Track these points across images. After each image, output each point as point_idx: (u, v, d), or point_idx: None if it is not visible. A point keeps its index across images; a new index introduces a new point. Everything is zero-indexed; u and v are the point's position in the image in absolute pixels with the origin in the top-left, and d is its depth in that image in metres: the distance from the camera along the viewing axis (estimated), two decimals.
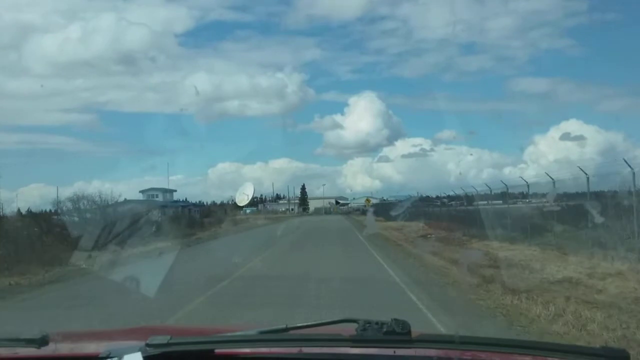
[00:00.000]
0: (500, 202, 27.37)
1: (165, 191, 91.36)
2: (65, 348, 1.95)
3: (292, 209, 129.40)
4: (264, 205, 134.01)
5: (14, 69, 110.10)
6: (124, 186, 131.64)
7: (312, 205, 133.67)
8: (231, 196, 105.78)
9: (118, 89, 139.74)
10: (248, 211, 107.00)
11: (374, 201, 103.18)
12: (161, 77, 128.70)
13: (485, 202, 28.14)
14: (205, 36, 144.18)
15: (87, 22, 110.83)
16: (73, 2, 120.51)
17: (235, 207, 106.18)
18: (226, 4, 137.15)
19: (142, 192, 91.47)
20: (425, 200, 54.10)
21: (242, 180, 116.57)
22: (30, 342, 1.77)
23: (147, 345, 1.66)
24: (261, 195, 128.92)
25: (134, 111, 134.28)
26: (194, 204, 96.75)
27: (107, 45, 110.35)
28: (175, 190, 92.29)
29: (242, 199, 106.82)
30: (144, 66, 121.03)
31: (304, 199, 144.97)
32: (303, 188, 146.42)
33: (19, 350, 1.83)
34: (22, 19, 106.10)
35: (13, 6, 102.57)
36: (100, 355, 1.64)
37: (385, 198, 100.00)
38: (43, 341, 1.77)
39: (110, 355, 1.60)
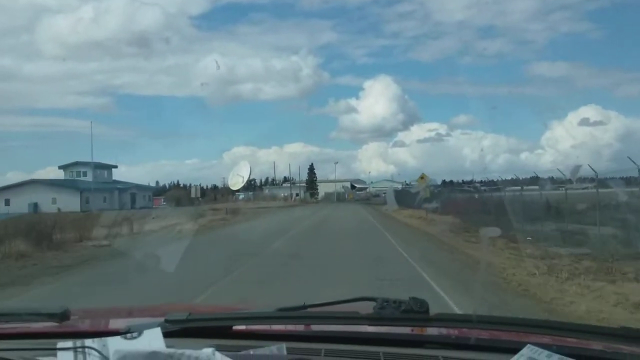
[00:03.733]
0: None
1: (98, 167, 60.71)
2: (85, 323, 2.01)
3: (297, 195, 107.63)
4: (262, 189, 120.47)
5: (30, 51, 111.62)
6: (140, 169, 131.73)
7: (323, 189, 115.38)
8: (224, 178, 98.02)
9: (133, 71, 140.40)
10: (241, 197, 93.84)
11: (394, 186, 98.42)
12: (176, 60, 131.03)
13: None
14: (220, 19, 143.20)
15: (102, 3, 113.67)
16: None
17: (229, 191, 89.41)
18: None
19: (62, 167, 61.47)
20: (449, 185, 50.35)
21: (257, 163, 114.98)
22: (51, 316, 1.77)
23: (166, 321, 1.68)
24: (269, 177, 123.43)
25: (149, 94, 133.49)
26: (145, 187, 66.40)
27: (122, 27, 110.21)
28: (115, 167, 61.79)
29: (236, 182, 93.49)
30: (159, 49, 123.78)
31: (312, 182, 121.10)
32: (311, 169, 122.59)
33: (39, 325, 1.83)
34: (37, 1, 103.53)
35: None
36: (119, 331, 1.61)
37: (407, 182, 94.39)
38: (64, 316, 1.77)
39: (130, 331, 1.57)
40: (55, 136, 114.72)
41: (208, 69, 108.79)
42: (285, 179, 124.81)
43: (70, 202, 54.62)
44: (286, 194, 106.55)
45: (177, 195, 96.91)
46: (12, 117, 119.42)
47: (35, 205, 55.35)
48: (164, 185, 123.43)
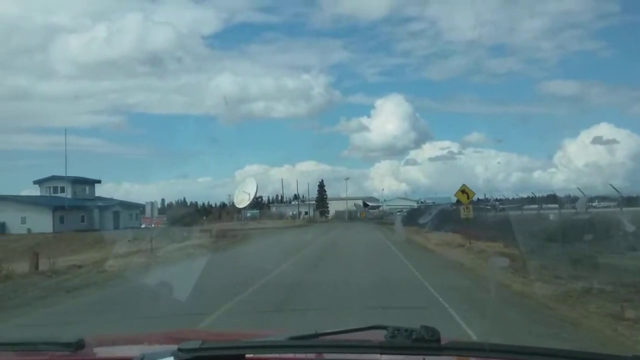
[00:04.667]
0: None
1: (78, 182, 53.81)
2: (100, 352, 2.01)
3: (306, 213, 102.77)
4: (269, 207, 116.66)
5: (44, 71, 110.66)
6: (153, 188, 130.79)
7: (334, 208, 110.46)
8: (229, 195, 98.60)
9: (146, 90, 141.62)
10: (248, 214, 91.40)
11: (408, 204, 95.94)
12: (188, 79, 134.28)
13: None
14: (232, 38, 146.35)
15: (115, 23, 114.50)
16: (102, 3, 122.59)
17: (234, 209, 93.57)
18: (254, 5, 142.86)
19: (38, 182, 54.69)
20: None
21: (269, 182, 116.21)
22: (66, 346, 1.79)
23: (179, 349, 1.67)
24: (279, 195, 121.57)
25: (162, 113, 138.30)
26: (132, 204, 59.22)
27: (135, 47, 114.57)
28: (99, 182, 54.68)
29: (242, 199, 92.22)
30: (171, 68, 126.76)
31: (322, 200, 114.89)
32: (321, 185, 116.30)
33: (55, 354, 1.84)
34: (52, 20, 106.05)
35: (43, 8, 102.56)
36: (133, 359, 1.64)
37: (422, 200, 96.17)
38: (79, 345, 1.80)
39: (143, 359, 1.59)
40: (69, 155, 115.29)
41: (220, 89, 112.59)
42: (296, 197, 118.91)
43: (42, 222, 47.81)
44: (295, 213, 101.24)
45: (176, 214, 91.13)
46: (28, 136, 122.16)
47: (3, 225, 48.56)
48: (170, 204, 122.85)
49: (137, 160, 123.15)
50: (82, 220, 52.70)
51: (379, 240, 28.36)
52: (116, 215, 55.25)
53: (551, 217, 20.87)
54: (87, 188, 56.85)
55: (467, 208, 20.75)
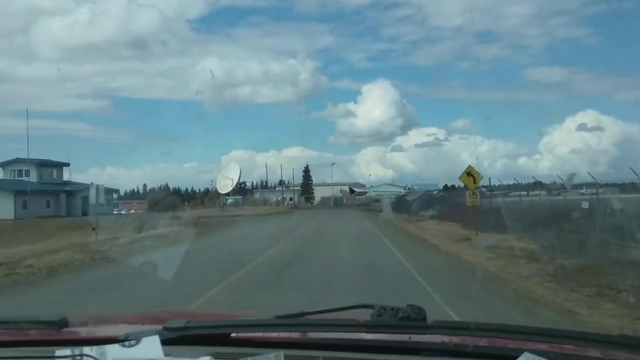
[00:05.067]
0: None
1: (44, 165, 50.10)
2: (83, 331, 1.96)
3: (291, 199, 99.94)
4: (253, 193, 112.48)
5: (26, 54, 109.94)
6: (138, 173, 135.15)
7: (319, 193, 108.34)
8: (211, 181, 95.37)
9: (130, 74, 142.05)
10: (230, 201, 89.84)
11: (395, 190, 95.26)
12: (174, 63, 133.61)
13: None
14: (218, 22, 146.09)
15: (98, 5, 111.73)
16: None
17: (217, 194, 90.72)
18: None
19: (1, 165, 50.97)
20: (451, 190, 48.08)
21: (255, 168, 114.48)
22: (49, 324, 1.76)
23: (165, 328, 1.66)
24: (264, 181, 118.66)
25: (147, 97, 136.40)
26: (105, 189, 55.09)
27: (120, 30, 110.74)
28: (67, 164, 50.92)
29: (225, 185, 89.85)
30: (156, 52, 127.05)
31: (307, 186, 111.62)
32: (306, 171, 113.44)
33: (38, 332, 1.81)
34: (35, 2, 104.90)
35: None
36: (118, 339, 1.59)
37: (410, 187, 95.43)
38: (62, 323, 1.76)
39: (128, 339, 1.56)
40: (53, 139, 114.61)
41: (205, 73, 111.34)
42: (282, 182, 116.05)
43: (2, 208, 44.14)
44: (279, 198, 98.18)
45: (156, 199, 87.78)
46: (10, 120, 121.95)
47: None
48: (152, 189, 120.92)
49: (121, 145, 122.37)
50: (48, 206, 49.08)
51: (369, 232, 24.43)
52: (85, 200, 51.54)
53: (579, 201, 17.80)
54: (54, 171, 53.02)
55: (473, 194, 17.64)
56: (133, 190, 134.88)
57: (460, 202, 36.19)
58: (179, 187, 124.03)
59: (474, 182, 17.60)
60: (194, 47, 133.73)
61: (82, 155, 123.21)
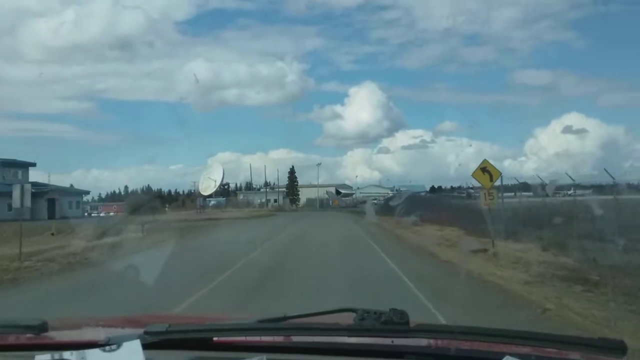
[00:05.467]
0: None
1: (6, 165, 46.74)
2: (63, 335, 1.91)
3: (275, 201, 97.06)
4: (236, 194, 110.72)
5: (11, 55, 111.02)
6: (123, 174, 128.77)
7: (305, 195, 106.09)
8: (194, 182, 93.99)
9: (117, 76, 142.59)
10: (212, 202, 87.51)
11: (381, 192, 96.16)
12: (160, 65, 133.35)
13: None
14: (206, 24, 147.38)
15: (84, 7, 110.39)
16: None
17: (199, 196, 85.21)
18: None
19: None
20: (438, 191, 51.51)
21: (241, 170, 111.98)
22: (28, 328, 1.73)
23: (146, 332, 1.64)
24: (250, 183, 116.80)
25: (133, 99, 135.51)
26: (74, 191, 52.04)
27: (106, 32, 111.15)
28: (33, 164, 47.33)
29: (208, 186, 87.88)
30: (143, 54, 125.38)
31: (293, 187, 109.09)
32: (292, 172, 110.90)
33: (17, 337, 1.79)
34: (20, 3, 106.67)
35: None
36: (98, 343, 1.57)
37: (397, 188, 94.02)
38: (42, 328, 1.72)
39: (109, 343, 1.53)
40: (38, 141, 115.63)
41: (192, 75, 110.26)
42: (266, 184, 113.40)
43: None
44: (263, 200, 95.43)
45: (135, 202, 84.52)
46: None
47: None
48: (133, 191, 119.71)
49: (107, 147, 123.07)
50: (10, 209, 45.29)
51: (360, 241, 20.79)
52: (51, 202, 47.89)
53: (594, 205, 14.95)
54: (19, 172, 49.27)
55: (489, 194, 14.43)
56: (114, 192, 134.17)
57: (457, 204, 33.55)
58: (161, 189, 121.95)
59: (491, 179, 14.44)
60: (181, 49, 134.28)
61: (67, 157, 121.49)
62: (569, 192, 24.44)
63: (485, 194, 14.38)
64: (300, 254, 16.03)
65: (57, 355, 1.41)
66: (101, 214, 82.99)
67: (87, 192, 65.32)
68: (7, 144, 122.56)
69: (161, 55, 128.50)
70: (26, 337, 1.74)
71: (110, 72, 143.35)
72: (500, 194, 15.52)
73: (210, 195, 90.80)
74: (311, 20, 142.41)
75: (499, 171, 14.60)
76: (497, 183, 14.80)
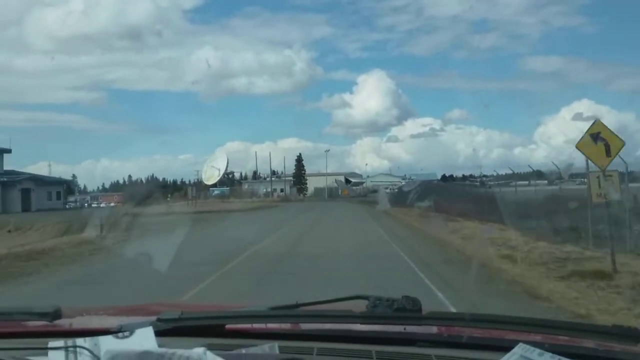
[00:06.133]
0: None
1: None
2: (77, 322, 1.93)
3: (282, 190, 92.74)
4: (241, 184, 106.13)
5: (22, 45, 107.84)
6: (133, 164, 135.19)
7: (313, 184, 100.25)
8: (197, 171, 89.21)
9: (126, 66, 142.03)
10: (215, 192, 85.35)
11: (392, 180, 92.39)
12: (169, 54, 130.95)
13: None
14: (213, 12, 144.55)
15: None
16: None
17: (203, 186, 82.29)
18: None
19: None
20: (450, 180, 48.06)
21: (250, 159, 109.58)
22: (42, 315, 1.73)
23: (159, 319, 1.66)
24: (257, 172, 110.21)
25: (142, 88, 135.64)
26: (52, 180, 46.61)
27: (115, 21, 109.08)
28: (8, 151, 42.17)
29: (211, 176, 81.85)
30: (152, 43, 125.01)
31: (300, 176, 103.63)
32: (299, 160, 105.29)
33: (31, 324, 1.79)
34: None
35: None
36: (111, 330, 1.58)
37: (408, 176, 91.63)
38: (55, 315, 1.72)
39: (122, 330, 1.55)
40: (48, 131, 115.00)
41: (201, 64, 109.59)
42: (274, 172, 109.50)
43: None
44: (269, 190, 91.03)
45: (135, 191, 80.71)
46: (4, 112, 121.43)
47: None
48: (135, 181, 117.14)
49: (116, 136, 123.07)
50: None
51: (384, 248, 14.34)
52: (26, 193, 42.54)
53: None
54: None
55: (606, 177, 8.40)
56: (117, 181, 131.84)
57: (487, 194, 27.73)
58: (165, 178, 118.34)
59: (607, 152, 8.50)
60: (190, 38, 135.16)
61: (76, 147, 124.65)
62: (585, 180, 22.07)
63: (597, 177, 8.56)
64: (288, 287, 9.35)
65: (70, 341, 1.42)
66: (101, 205, 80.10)
67: (68, 181, 59.91)
68: (15, 134, 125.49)
69: (170, 44, 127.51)
70: (40, 324, 1.72)
71: (119, 61, 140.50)
72: (619, 180, 9.15)
73: (214, 185, 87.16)
74: (319, 8, 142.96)
75: (620, 139, 8.76)
76: (615, 167, 8.95)
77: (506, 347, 1.39)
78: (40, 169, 79.00)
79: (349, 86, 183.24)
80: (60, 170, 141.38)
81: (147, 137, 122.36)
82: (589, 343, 1.52)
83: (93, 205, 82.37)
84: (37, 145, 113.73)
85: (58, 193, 48.96)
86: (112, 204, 78.98)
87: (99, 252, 14.30)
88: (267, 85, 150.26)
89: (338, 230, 20.92)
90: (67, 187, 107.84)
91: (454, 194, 33.53)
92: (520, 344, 1.37)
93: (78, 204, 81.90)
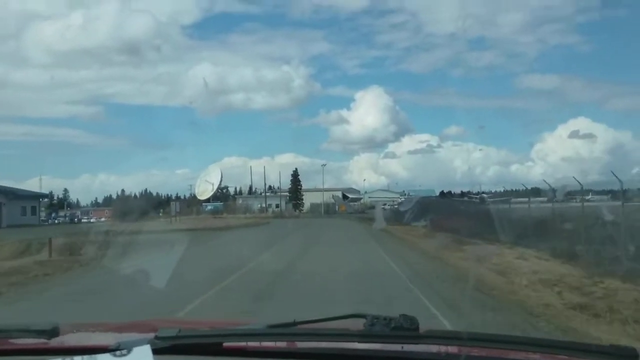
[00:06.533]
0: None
1: None
2: (74, 340, 1.94)
3: (277, 206, 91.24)
4: (235, 199, 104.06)
5: (20, 59, 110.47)
6: (131, 179, 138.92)
7: (309, 199, 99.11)
8: (190, 186, 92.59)
9: (124, 80, 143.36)
10: (208, 208, 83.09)
11: (391, 196, 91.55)
12: (167, 69, 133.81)
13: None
14: (212, 28, 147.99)
15: (91, 10, 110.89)
16: None
17: (196, 201, 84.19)
18: None
19: None
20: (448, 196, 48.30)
21: (247, 174, 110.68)
22: (40, 333, 1.73)
23: (156, 337, 1.65)
24: (253, 187, 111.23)
25: (140, 103, 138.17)
26: (26, 194, 43.31)
27: (115, 36, 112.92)
28: None
29: (205, 190, 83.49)
30: (150, 58, 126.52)
31: (296, 191, 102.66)
32: (295, 175, 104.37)
33: (28, 341, 1.78)
34: (28, 7, 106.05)
35: None
36: (109, 348, 1.58)
37: (407, 193, 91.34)
38: (53, 332, 1.73)
39: (120, 348, 1.55)
40: (46, 145, 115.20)
41: (199, 79, 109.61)
42: (270, 188, 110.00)
43: None
44: (263, 205, 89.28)
45: (124, 206, 77.21)
46: (2, 126, 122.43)
47: None
48: (128, 195, 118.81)
49: (114, 151, 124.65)
50: None
51: (391, 283, 11.15)
52: None
53: None
54: None
55: None
56: (110, 196, 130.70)
57: (501, 211, 24.61)
58: (159, 193, 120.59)
59: None
60: (188, 53, 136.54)
61: (73, 161, 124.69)
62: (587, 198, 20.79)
63: None
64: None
65: (67, 359, 1.42)
66: (91, 220, 78.27)
67: (45, 196, 56.70)
68: (13, 149, 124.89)
69: (168, 60, 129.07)
70: (38, 342, 1.71)
71: (117, 76, 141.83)
72: None
73: (207, 200, 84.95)
74: (317, 24, 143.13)
75: None
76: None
77: None
78: (34, 183, 78.23)
79: (346, 102, 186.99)
80: (56, 185, 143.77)
81: (144, 152, 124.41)
82: None
83: (83, 220, 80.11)
84: (34, 159, 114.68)
85: (33, 208, 45.64)
86: (102, 219, 76.81)
87: (22, 285, 11.14)
88: (265, 100, 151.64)
89: (335, 256, 16.81)
90: (57, 201, 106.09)
91: (456, 211, 32.44)
92: None
93: (67, 219, 79.19)
